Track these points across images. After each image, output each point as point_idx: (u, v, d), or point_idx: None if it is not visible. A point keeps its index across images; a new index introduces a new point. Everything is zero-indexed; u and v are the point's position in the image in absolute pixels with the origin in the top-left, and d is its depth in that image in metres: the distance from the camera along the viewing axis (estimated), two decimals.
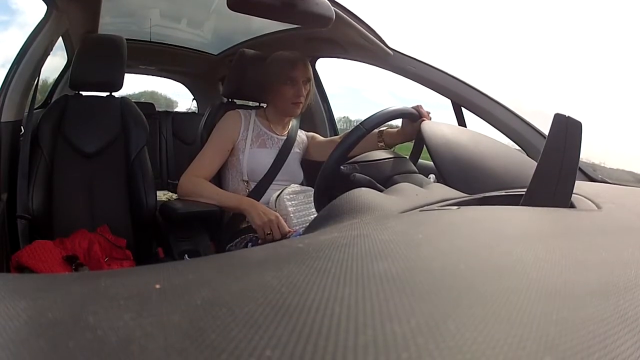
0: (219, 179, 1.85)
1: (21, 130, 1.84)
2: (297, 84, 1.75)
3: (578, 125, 0.63)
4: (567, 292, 0.28)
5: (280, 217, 1.58)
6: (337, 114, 2.60)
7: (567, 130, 0.62)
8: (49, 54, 1.91)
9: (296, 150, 1.87)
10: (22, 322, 0.22)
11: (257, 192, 1.75)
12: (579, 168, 1.44)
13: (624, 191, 0.93)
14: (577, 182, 0.62)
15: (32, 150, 1.81)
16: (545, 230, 0.50)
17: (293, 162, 1.84)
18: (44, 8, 1.75)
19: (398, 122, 1.59)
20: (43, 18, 1.76)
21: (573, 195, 0.63)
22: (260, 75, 1.84)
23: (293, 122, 1.91)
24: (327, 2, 1.27)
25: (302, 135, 1.96)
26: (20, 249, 1.57)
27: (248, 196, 1.74)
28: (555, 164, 0.61)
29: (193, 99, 4.09)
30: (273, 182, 1.76)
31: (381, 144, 1.58)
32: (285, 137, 1.84)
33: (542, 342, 0.21)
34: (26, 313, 0.23)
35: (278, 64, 1.79)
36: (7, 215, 1.65)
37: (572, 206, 0.62)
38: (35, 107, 2.06)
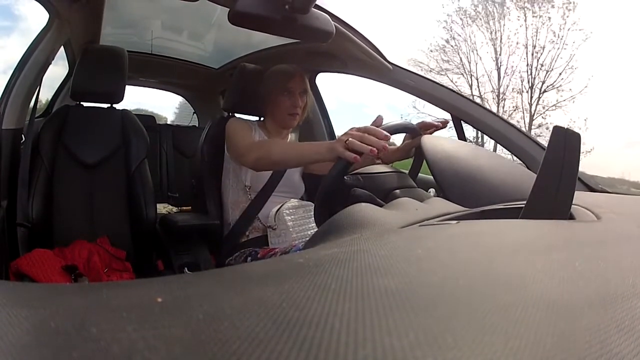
0: (220, 188, 1.86)
1: (22, 138, 1.85)
2: (293, 95, 1.77)
3: (577, 136, 0.63)
4: (565, 304, 0.28)
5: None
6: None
7: (565, 142, 0.62)
8: (50, 63, 1.92)
9: None
10: (25, 330, 0.22)
11: (258, 202, 1.75)
12: (579, 178, 1.44)
13: (624, 200, 0.93)
14: (576, 193, 0.63)
15: (33, 158, 1.82)
16: (544, 243, 0.51)
17: (292, 174, 1.84)
18: (46, 16, 1.76)
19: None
20: (45, 26, 1.77)
21: (572, 206, 0.63)
22: (259, 88, 1.85)
23: (292, 136, 1.92)
24: (327, 16, 1.28)
25: None
26: (20, 256, 1.57)
27: (249, 206, 1.75)
28: (555, 176, 0.61)
29: (193, 113, 4.08)
30: (273, 194, 1.76)
31: (378, 160, 1.57)
32: None
33: (538, 354, 0.21)
34: (28, 321, 0.23)
35: (275, 76, 1.83)
36: (7, 223, 1.65)
37: (571, 217, 0.62)
38: (37, 115, 2.06)
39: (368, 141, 1.15)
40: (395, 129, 1.27)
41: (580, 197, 0.67)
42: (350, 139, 1.16)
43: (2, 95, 1.69)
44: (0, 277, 1.55)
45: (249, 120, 1.91)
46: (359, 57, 1.84)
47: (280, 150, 1.50)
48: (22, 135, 1.86)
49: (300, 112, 1.80)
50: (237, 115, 2.02)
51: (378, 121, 1.24)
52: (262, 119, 1.96)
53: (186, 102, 4.24)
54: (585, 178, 1.54)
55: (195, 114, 4.05)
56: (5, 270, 1.54)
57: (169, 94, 4.15)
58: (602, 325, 0.25)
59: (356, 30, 1.71)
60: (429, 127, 1.43)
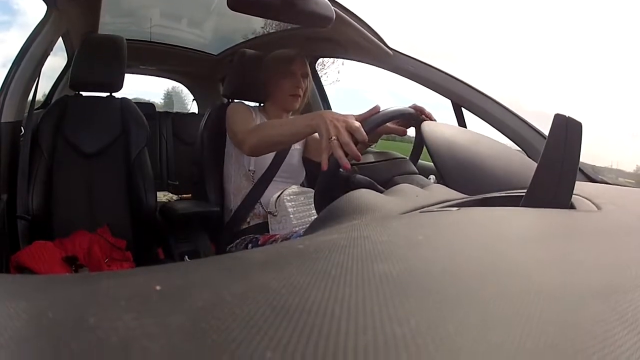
0: (220, 175, 1.86)
1: (21, 131, 1.84)
2: (295, 77, 1.78)
3: (578, 125, 0.62)
4: (567, 293, 0.28)
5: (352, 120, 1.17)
6: None
7: (567, 131, 0.61)
8: (49, 54, 1.91)
9: (296, 146, 1.88)
10: (23, 322, 0.22)
11: (260, 187, 1.76)
12: (579, 169, 1.44)
13: (624, 192, 0.93)
14: (577, 183, 0.62)
15: (32, 150, 1.82)
16: (544, 232, 0.50)
17: (293, 158, 1.85)
18: (44, 8, 1.75)
19: None
20: (43, 18, 1.76)
21: (573, 196, 0.63)
22: (259, 73, 1.86)
23: None
24: (327, 2, 1.27)
25: None
26: (20, 249, 1.58)
27: (251, 191, 1.76)
28: (556, 164, 0.61)
29: (193, 100, 4.08)
30: (274, 178, 1.76)
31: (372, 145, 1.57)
32: None
33: (541, 343, 0.21)
34: (26, 313, 0.23)
35: (276, 60, 1.84)
36: (7, 216, 1.65)
37: (572, 207, 0.62)
38: (36, 107, 2.05)
39: (349, 150, 1.11)
40: (393, 115, 1.26)
41: (581, 187, 0.67)
42: (334, 138, 1.12)
43: (0, 88, 1.68)
44: (0, 270, 1.55)
45: (250, 105, 1.90)
46: (358, 43, 1.84)
47: (274, 130, 1.46)
48: (22, 128, 1.85)
49: (302, 93, 1.81)
50: (237, 101, 2.02)
51: (374, 110, 1.23)
52: (262, 104, 1.95)
53: (172, 90, 4.25)
54: (585, 168, 1.54)
55: (194, 101, 4.05)
56: (5, 263, 1.55)
57: (157, 83, 4.18)
58: (605, 315, 0.25)
59: (356, 16, 1.70)
60: (421, 111, 1.37)
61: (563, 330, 0.22)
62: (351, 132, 1.12)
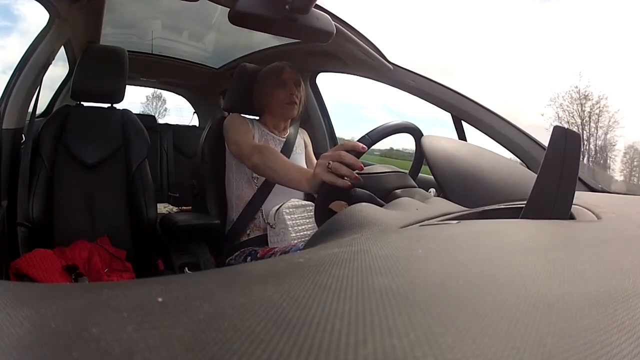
0: (220, 187, 1.87)
1: (22, 138, 1.85)
2: (287, 85, 1.81)
3: (577, 136, 0.63)
4: (565, 303, 0.28)
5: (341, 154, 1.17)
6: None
7: (566, 142, 0.62)
8: (51, 63, 1.91)
9: (297, 151, 1.90)
10: (25, 330, 0.22)
11: (262, 193, 1.77)
12: (579, 178, 1.44)
13: (624, 200, 0.93)
14: (577, 193, 0.63)
15: (33, 158, 1.82)
16: (544, 243, 0.50)
17: (298, 163, 1.84)
18: (46, 16, 1.76)
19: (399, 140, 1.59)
20: (45, 26, 1.77)
21: (573, 206, 0.63)
22: (253, 89, 1.89)
23: (291, 130, 1.93)
24: (328, 17, 1.28)
25: (300, 136, 2.00)
26: (20, 256, 1.57)
27: (253, 198, 1.76)
28: (555, 175, 0.61)
29: (194, 113, 4.08)
30: (277, 184, 1.76)
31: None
32: (285, 140, 1.88)
33: (539, 354, 0.21)
34: (28, 321, 0.23)
35: (267, 73, 1.87)
36: (7, 223, 1.65)
37: (572, 217, 0.62)
38: (37, 115, 2.06)
39: (348, 160, 1.13)
40: (398, 128, 1.26)
41: (581, 197, 0.67)
42: (331, 162, 1.14)
43: (2, 95, 1.69)
44: (0, 277, 1.54)
45: (247, 117, 1.91)
46: (359, 57, 1.84)
47: (273, 167, 1.52)
48: (23, 135, 1.85)
49: (297, 100, 1.83)
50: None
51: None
52: (258, 118, 1.96)
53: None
54: (585, 178, 1.54)
55: (195, 114, 4.05)
56: (5, 270, 1.54)
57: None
58: (602, 325, 0.25)
59: (357, 30, 1.71)
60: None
61: (561, 340, 0.22)
62: (340, 160, 1.14)
